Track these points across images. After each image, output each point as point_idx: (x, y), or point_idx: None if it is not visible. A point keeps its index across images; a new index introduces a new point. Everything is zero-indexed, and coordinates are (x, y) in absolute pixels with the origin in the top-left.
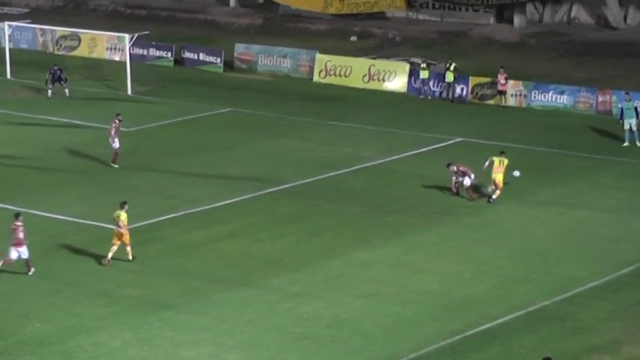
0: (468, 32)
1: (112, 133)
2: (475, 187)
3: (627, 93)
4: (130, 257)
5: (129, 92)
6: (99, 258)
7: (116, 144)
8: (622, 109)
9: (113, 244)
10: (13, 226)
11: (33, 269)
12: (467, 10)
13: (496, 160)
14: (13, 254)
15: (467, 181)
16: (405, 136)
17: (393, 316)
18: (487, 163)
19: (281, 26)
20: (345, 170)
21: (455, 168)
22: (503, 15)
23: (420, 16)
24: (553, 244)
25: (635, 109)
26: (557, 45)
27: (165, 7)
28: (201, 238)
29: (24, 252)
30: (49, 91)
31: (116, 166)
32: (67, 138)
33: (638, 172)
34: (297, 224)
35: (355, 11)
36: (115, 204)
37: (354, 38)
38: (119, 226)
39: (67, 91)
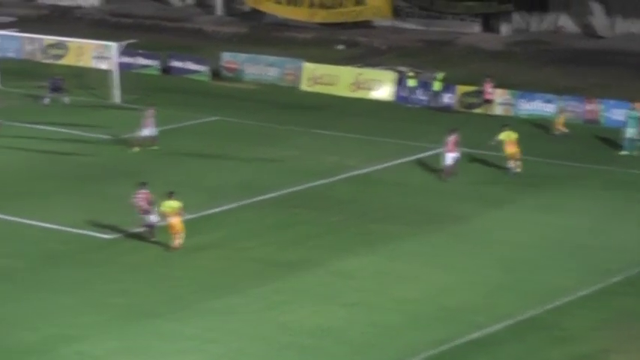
0: (454, 41)
1: (146, 122)
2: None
3: (632, 102)
4: (177, 245)
5: (116, 101)
6: (85, 267)
7: (145, 132)
8: (627, 118)
9: (173, 234)
10: (138, 195)
11: (154, 239)
12: (453, 19)
13: (503, 135)
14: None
15: (450, 159)
16: (390, 145)
17: (377, 325)
18: (494, 142)
19: (267, 35)
20: (330, 179)
21: (453, 138)
22: (489, 24)
23: (406, 25)
24: (539, 253)
25: (638, 119)
26: (543, 54)
27: (151, 16)
28: (186, 246)
29: (154, 218)
30: (46, 99)
31: (136, 149)
32: (54, 146)
33: (625, 181)
34: (282, 233)
35: (340, 20)
36: (102, 212)
37: (340, 47)
38: (173, 216)
39: (65, 99)
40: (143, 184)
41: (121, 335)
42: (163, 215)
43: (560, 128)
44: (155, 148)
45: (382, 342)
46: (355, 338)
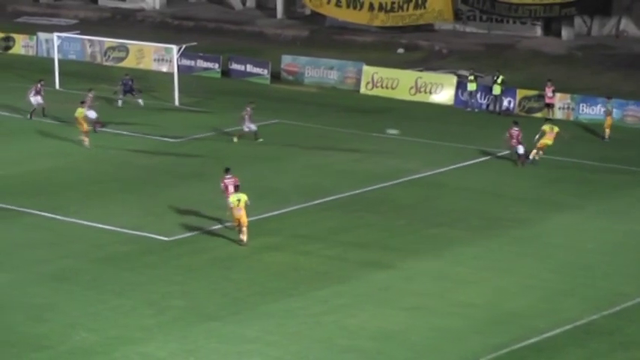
0: (515, 45)
1: (246, 118)
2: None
3: None
4: (245, 239)
5: (176, 103)
6: (145, 268)
7: (253, 126)
8: None
9: (237, 227)
10: (225, 180)
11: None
12: (514, 22)
13: (547, 127)
14: None
15: (521, 150)
16: (451, 149)
17: (438, 330)
18: (538, 136)
19: (327, 38)
20: (391, 182)
21: (515, 132)
22: (550, 28)
23: (467, 29)
24: (600, 259)
25: None
26: (604, 58)
27: (213, 19)
28: (247, 249)
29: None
30: (120, 102)
31: (261, 139)
32: (114, 148)
33: None
34: (343, 236)
35: (401, 23)
36: (162, 214)
37: (400, 50)
38: (239, 209)
39: (140, 101)
40: (227, 170)
41: (182, 337)
42: (230, 207)
43: (607, 130)
44: (235, 140)
45: (443, 346)
46: (416, 342)
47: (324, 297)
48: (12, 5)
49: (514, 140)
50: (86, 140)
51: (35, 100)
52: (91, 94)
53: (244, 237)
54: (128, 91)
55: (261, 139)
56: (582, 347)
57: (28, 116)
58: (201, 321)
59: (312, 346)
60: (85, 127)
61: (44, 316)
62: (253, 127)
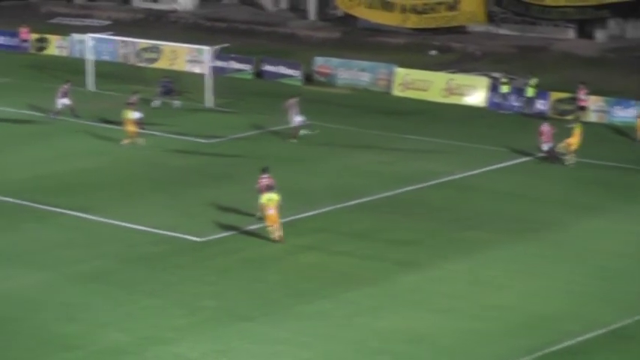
0: (548, 47)
1: (291, 112)
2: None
3: None
4: (277, 237)
5: (208, 104)
6: (177, 269)
7: (297, 120)
8: None
9: (269, 227)
10: (260, 180)
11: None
12: (547, 24)
13: (577, 128)
14: None
15: (545, 147)
16: (484, 151)
17: (469, 332)
18: (569, 126)
19: (360, 40)
20: (423, 185)
21: (547, 128)
22: (584, 30)
23: (500, 31)
24: (631, 262)
25: None
26: (637, 60)
27: (245, 21)
28: (279, 250)
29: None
30: (155, 102)
31: (295, 140)
32: (146, 148)
33: None
34: (375, 238)
35: (433, 25)
36: (195, 215)
37: (433, 52)
38: (271, 209)
39: (176, 102)
40: (265, 170)
41: (214, 338)
42: (262, 207)
43: (639, 133)
44: (295, 141)
45: (475, 349)
46: (447, 345)
47: (356, 298)
48: (46, 6)
49: (544, 137)
50: (126, 141)
51: (62, 102)
52: (135, 96)
53: (278, 233)
54: (167, 92)
55: (294, 140)
56: (615, 352)
57: (51, 115)
58: (233, 322)
59: (344, 347)
60: (132, 128)
61: (76, 315)
62: (297, 120)
